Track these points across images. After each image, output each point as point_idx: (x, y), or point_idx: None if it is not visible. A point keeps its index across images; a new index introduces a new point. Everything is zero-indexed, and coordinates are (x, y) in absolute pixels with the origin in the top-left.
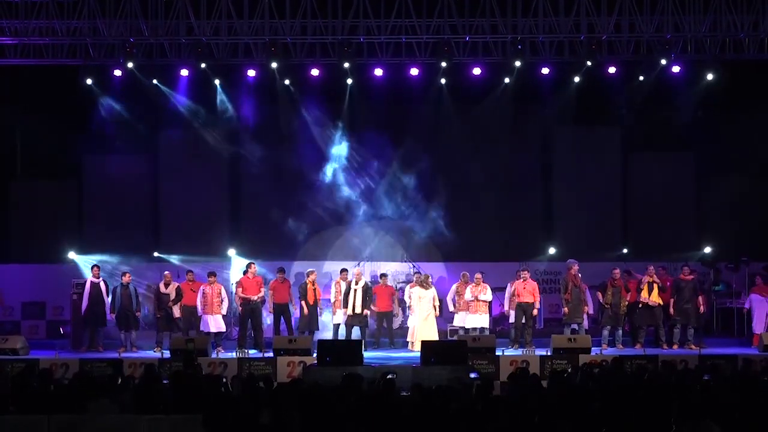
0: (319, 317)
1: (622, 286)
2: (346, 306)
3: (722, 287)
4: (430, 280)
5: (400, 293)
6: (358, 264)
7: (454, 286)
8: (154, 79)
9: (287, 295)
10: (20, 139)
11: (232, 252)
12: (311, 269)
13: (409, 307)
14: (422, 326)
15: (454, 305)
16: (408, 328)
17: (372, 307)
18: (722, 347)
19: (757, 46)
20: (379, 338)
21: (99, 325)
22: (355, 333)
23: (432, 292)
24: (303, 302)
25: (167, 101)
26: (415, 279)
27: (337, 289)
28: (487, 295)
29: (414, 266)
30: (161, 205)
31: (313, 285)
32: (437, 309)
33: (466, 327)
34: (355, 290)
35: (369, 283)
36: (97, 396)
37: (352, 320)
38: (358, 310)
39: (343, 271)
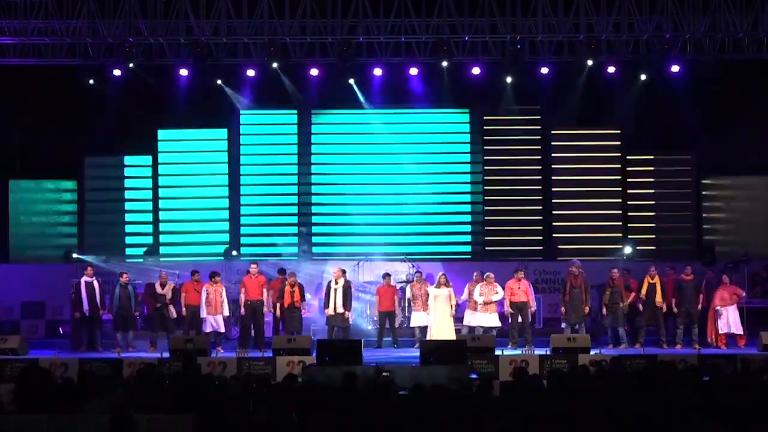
0: (302, 318)
1: (622, 286)
2: (327, 306)
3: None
4: (444, 278)
5: (400, 292)
6: (358, 263)
7: (467, 286)
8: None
9: None
10: (20, 139)
11: (233, 252)
12: (292, 271)
13: (422, 305)
14: (437, 326)
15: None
16: (413, 327)
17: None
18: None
19: (757, 45)
20: (382, 338)
21: (96, 325)
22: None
23: (446, 291)
24: (278, 304)
25: (167, 101)
26: (416, 277)
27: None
28: (499, 294)
29: (414, 266)
30: (161, 206)
31: (292, 287)
32: (453, 308)
33: (473, 326)
34: (336, 290)
35: (349, 282)
36: (98, 395)
37: (332, 320)
38: (339, 309)
39: (344, 271)
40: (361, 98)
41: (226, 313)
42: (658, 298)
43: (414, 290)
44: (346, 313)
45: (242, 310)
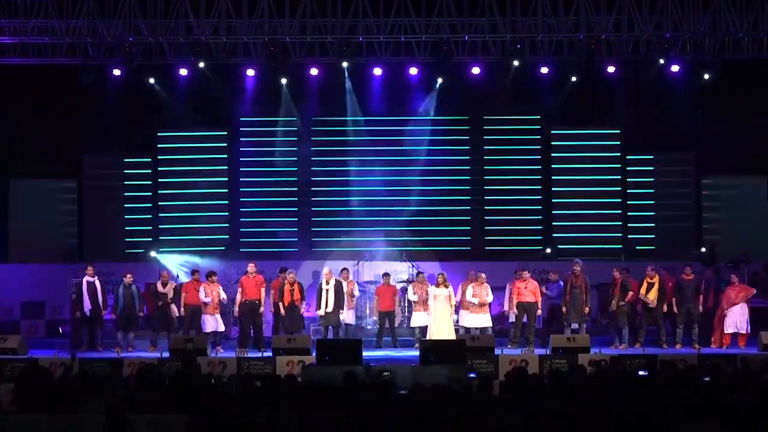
0: (303, 317)
1: (618, 286)
2: (318, 307)
3: (722, 286)
4: (443, 278)
5: (400, 292)
6: (358, 263)
7: (460, 286)
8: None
9: None
10: (20, 139)
11: (233, 252)
12: (291, 270)
13: (423, 306)
14: (437, 325)
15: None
16: (414, 327)
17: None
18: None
19: (756, 45)
20: (382, 338)
21: (97, 325)
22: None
23: (446, 291)
24: (280, 303)
25: (167, 101)
26: (418, 278)
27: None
28: (489, 296)
29: (413, 266)
30: (161, 205)
31: (291, 286)
32: (453, 308)
33: (467, 326)
34: (327, 290)
35: (341, 281)
36: (97, 395)
37: (325, 320)
38: (330, 309)
39: (344, 270)
40: (358, 100)
41: (225, 299)
42: (651, 296)
43: (416, 290)
44: (338, 311)
45: (236, 309)
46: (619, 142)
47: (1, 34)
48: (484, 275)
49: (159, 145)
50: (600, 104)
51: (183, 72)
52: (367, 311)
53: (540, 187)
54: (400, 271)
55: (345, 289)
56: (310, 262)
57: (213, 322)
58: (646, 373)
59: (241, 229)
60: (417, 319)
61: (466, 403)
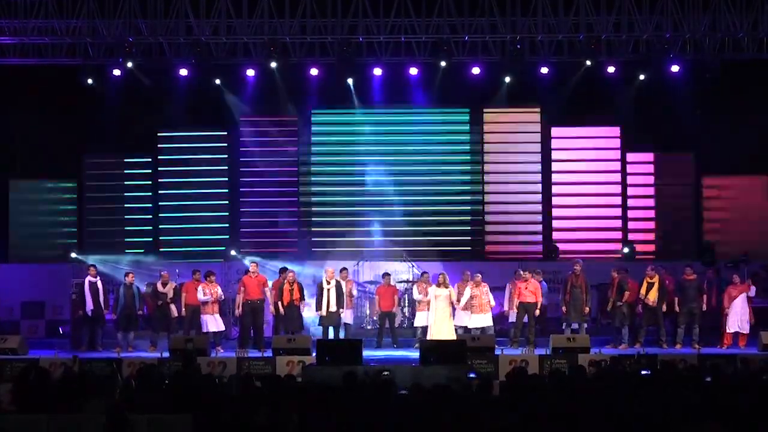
0: (302, 317)
1: (615, 287)
2: (319, 308)
3: (723, 286)
4: (443, 278)
5: (400, 292)
6: (358, 263)
7: (456, 286)
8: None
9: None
10: (20, 139)
11: (233, 252)
12: (291, 270)
13: (427, 306)
14: (437, 326)
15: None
16: (416, 327)
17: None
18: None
19: (756, 45)
20: (383, 338)
21: (98, 325)
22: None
23: (446, 291)
24: (279, 302)
25: (167, 100)
26: (422, 278)
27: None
28: (489, 297)
29: (413, 265)
30: (161, 205)
31: (291, 285)
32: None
33: (469, 327)
34: (328, 290)
35: (340, 282)
36: (98, 395)
37: (326, 320)
38: (332, 309)
39: (343, 270)
40: (357, 100)
41: (221, 296)
42: (651, 296)
43: (420, 289)
44: (340, 311)
45: (238, 310)
46: (619, 142)
47: (1, 34)
48: (479, 276)
49: (159, 145)
50: (600, 104)
51: (183, 72)
52: (367, 311)
53: (540, 186)
54: (400, 271)
55: (344, 289)
56: (310, 262)
57: (213, 322)
58: (649, 372)
59: (242, 230)
60: (421, 319)
61: (466, 403)
